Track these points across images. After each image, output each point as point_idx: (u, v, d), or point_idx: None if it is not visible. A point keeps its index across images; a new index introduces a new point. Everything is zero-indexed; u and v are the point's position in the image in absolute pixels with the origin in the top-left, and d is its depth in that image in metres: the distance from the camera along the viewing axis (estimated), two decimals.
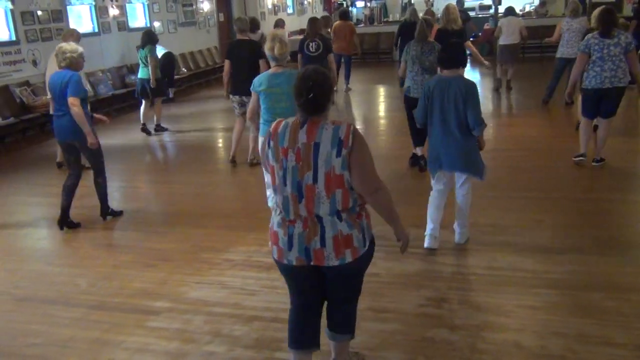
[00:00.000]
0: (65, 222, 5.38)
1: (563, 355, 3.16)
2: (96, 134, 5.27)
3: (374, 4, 21.97)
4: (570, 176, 6.18)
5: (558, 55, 9.19)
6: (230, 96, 7.08)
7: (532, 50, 15.47)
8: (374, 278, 3.91)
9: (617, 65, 5.81)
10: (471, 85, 4.16)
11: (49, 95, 5.90)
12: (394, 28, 12.71)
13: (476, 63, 11.62)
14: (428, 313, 3.66)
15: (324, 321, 2.91)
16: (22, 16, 9.51)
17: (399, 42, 9.83)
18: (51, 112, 5.65)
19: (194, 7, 14.74)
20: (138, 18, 12.90)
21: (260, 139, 4.71)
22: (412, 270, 4.21)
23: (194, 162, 7.71)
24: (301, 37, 9.46)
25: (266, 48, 4.84)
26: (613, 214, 5.21)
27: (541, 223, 4.95)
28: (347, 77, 12.12)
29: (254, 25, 9.20)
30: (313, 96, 2.49)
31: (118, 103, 11.21)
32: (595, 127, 6.44)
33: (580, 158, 6.32)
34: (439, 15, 9.07)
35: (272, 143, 2.60)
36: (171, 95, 12.29)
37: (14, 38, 9.42)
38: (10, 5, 9.26)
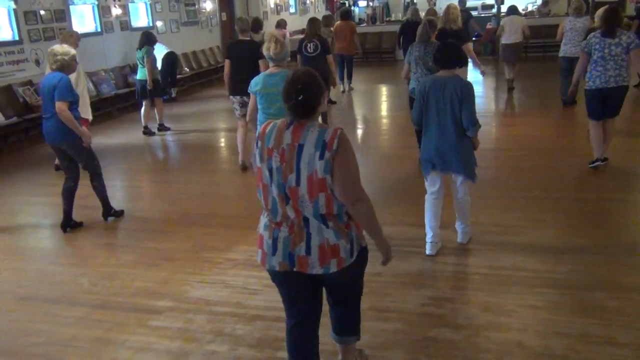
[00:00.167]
0: (69, 225, 5.38)
1: (565, 354, 3.16)
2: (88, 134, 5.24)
3: (376, 3, 21.87)
4: (572, 176, 6.17)
5: (561, 54, 9.15)
6: (231, 97, 6.99)
7: (535, 50, 15.46)
8: (376, 277, 3.92)
9: (619, 64, 5.79)
10: (467, 86, 4.10)
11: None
12: (397, 27, 12.66)
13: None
14: (430, 312, 3.66)
15: (325, 321, 2.89)
16: (25, 16, 9.54)
17: (401, 42, 9.81)
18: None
19: (196, 6, 14.75)
20: (141, 18, 12.92)
21: None
22: (414, 270, 4.21)
23: (196, 161, 7.71)
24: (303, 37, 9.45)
25: (263, 48, 4.83)
26: (615, 214, 5.20)
27: (543, 223, 4.94)
28: (350, 77, 12.11)
29: (257, 25, 9.14)
30: (302, 99, 2.41)
31: (120, 102, 11.22)
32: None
33: (597, 163, 6.14)
34: (441, 14, 9.03)
35: (259, 143, 2.54)
36: (174, 95, 12.32)
37: (17, 38, 9.44)
38: (13, 5, 9.28)
